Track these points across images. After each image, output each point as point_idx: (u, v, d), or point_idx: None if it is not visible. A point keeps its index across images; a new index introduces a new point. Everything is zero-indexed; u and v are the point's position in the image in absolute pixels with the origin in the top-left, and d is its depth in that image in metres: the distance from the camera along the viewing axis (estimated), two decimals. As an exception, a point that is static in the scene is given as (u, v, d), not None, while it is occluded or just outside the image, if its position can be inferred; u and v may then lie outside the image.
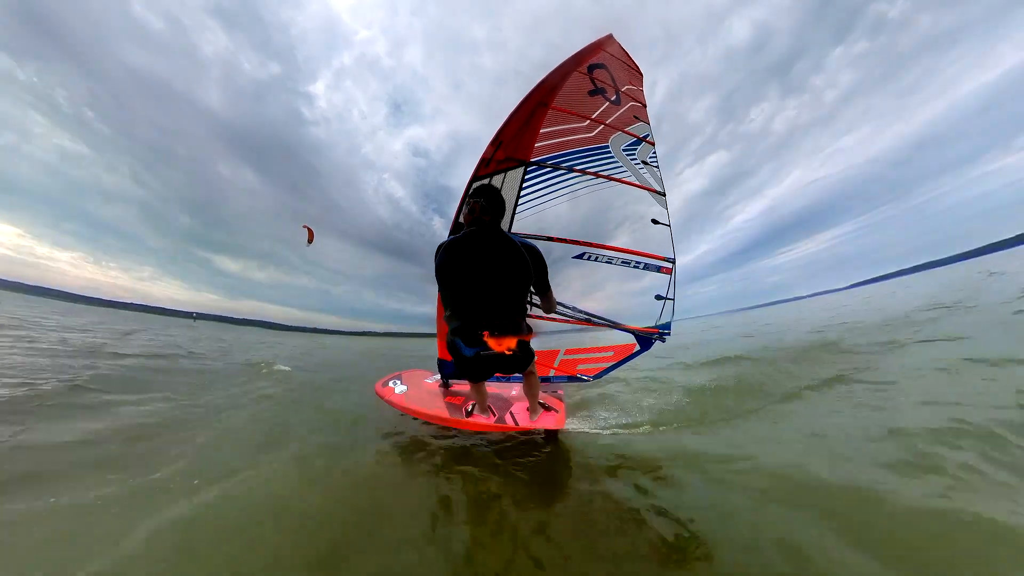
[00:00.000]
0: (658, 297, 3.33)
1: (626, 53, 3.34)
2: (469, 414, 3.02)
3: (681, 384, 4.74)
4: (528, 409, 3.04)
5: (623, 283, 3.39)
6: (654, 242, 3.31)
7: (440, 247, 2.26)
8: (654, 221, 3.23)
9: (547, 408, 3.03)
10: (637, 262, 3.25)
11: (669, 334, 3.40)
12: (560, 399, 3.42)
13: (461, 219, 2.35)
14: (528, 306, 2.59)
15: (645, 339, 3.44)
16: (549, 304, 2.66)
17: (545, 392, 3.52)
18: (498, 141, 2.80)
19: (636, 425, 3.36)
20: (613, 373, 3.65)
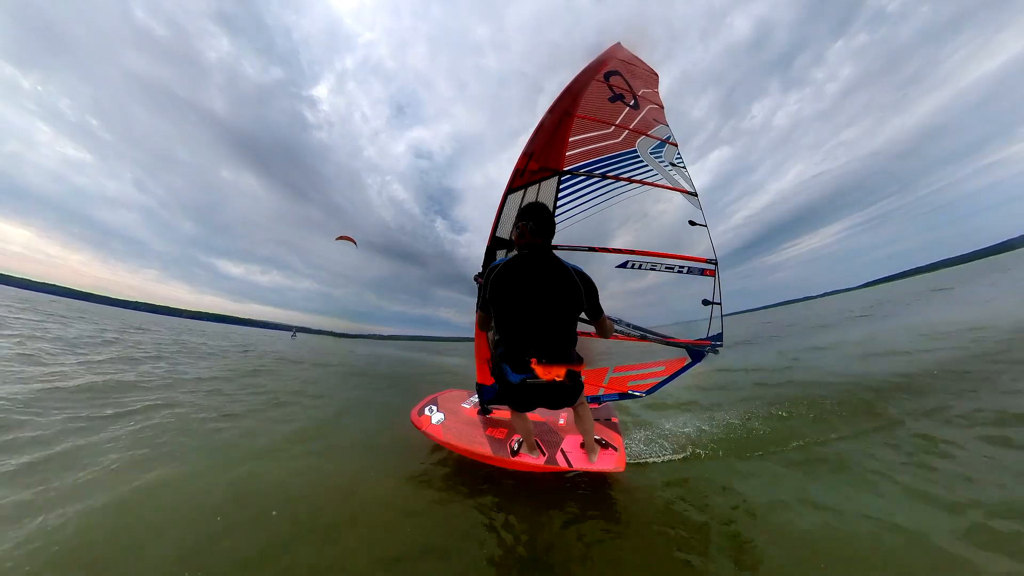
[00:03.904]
0: (705, 302, 3.14)
1: (637, 58, 3.30)
2: (515, 452, 2.64)
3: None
4: (582, 446, 2.69)
5: (626, 282, 3.15)
6: (658, 240, 3.14)
7: (491, 270, 2.16)
8: (691, 223, 3.08)
9: (604, 445, 2.66)
10: (681, 266, 3.07)
11: (722, 345, 3.19)
12: (617, 430, 3.03)
13: (513, 239, 2.22)
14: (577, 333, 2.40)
15: (697, 351, 3.22)
16: (604, 328, 2.44)
17: (598, 419, 3.14)
18: (529, 152, 2.61)
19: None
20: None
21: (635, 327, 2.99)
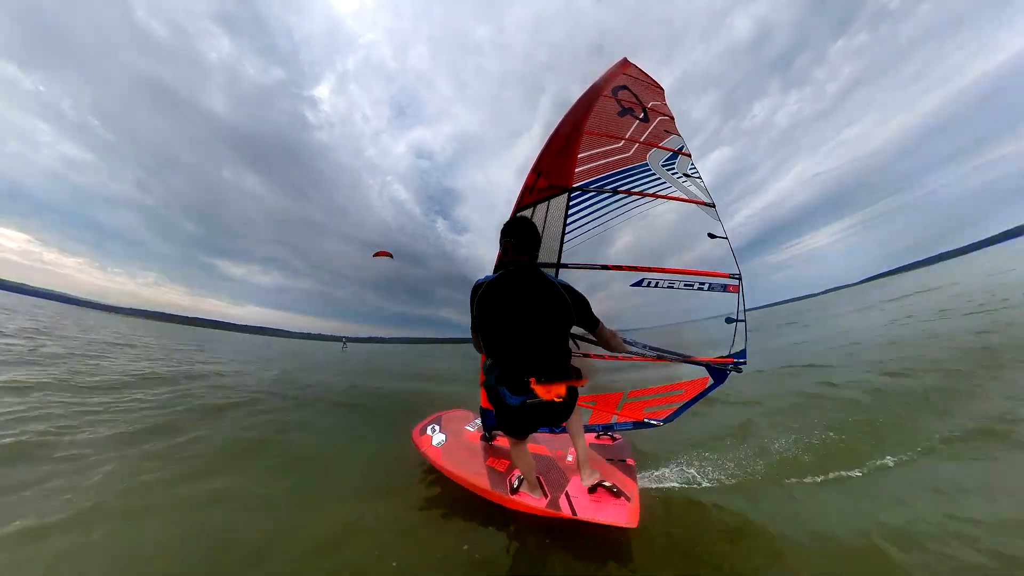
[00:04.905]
0: (728, 320, 2.95)
1: (643, 72, 3.26)
2: (515, 490, 2.48)
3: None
4: (577, 466, 2.53)
5: (627, 281, 2.98)
6: (661, 238, 3.00)
7: (477, 289, 2.08)
8: (711, 235, 2.95)
9: (615, 493, 2.29)
10: (701, 283, 2.91)
11: (745, 363, 2.95)
12: (632, 475, 2.62)
13: (499, 256, 2.24)
14: (575, 347, 2.40)
15: (719, 371, 2.98)
16: (605, 337, 2.30)
17: (611, 459, 2.86)
18: (538, 170, 2.56)
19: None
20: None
21: (650, 347, 2.82)
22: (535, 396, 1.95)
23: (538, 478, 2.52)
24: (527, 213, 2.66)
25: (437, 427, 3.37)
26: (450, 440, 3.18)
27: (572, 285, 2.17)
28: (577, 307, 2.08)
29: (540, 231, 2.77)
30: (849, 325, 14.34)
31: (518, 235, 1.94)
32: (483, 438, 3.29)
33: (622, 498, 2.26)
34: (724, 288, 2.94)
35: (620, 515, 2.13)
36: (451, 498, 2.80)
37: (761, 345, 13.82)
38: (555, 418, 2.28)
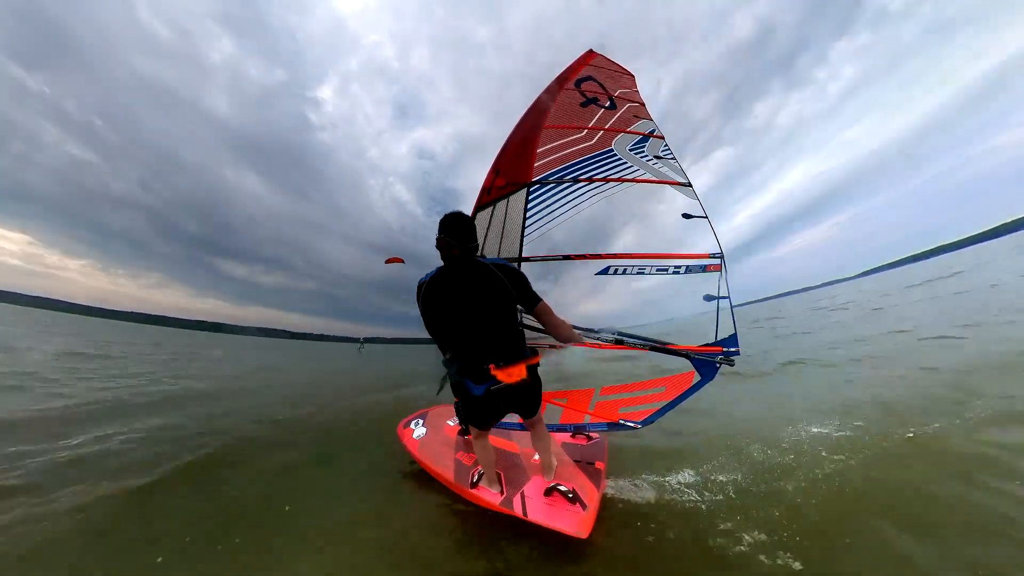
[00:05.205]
0: (708, 298, 2.74)
1: (611, 62, 3.25)
2: (475, 484, 2.53)
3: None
4: (541, 466, 2.55)
5: (629, 280, 2.90)
6: (660, 239, 2.90)
7: (419, 287, 2.15)
8: (685, 215, 2.84)
9: (572, 498, 2.16)
10: (677, 267, 2.80)
11: (738, 352, 2.58)
12: (597, 482, 2.48)
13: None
14: (522, 328, 2.36)
15: (705, 363, 2.63)
16: (547, 318, 2.15)
17: (579, 461, 2.77)
18: (496, 169, 2.70)
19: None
20: None
21: (620, 333, 2.75)
22: (498, 382, 2.01)
23: (499, 474, 2.57)
24: (486, 212, 2.80)
25: (421, 421, 3.64)
26: (429, 434, 3.40)
27: (510, 264, 2.18)
28: (513, 282, 2.09)
29: (501, 228, 2.92)
30: (889, 304, 14.02)
31: (447, 231, 1.99)
32: (460, 432, 3.42)
33: (577, 504, 2.15)
34: (704, 269, 2.80)
35: (571, 523, 2.03)
36: (425, 488, 2.96)
37: (816, 323, 13.85)
38: (522, 401, 2.32)
